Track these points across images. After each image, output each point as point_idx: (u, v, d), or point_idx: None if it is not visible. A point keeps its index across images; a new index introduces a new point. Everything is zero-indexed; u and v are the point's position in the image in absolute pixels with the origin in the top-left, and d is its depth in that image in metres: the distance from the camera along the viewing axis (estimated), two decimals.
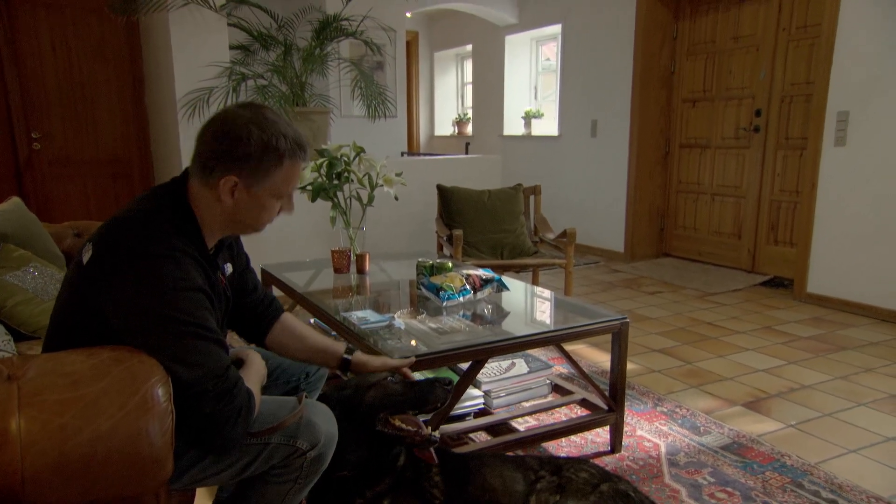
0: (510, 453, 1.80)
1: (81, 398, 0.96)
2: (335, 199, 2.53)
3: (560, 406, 2.23)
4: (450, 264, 2.27)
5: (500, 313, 2.13)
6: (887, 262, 3.41)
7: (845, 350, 2.97)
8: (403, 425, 1.35)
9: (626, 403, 2.08)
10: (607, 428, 2.04)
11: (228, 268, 1.37)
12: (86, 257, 1.11)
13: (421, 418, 1.41)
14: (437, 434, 1.38)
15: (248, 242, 3.88)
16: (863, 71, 3.43)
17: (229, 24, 3.74)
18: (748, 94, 4.39)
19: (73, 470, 0.94)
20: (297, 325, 1.52)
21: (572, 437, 2.09)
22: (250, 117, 1.16)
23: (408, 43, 7.30)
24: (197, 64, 3.50)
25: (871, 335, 3.18)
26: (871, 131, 3.43)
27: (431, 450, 1.40)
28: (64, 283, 1.19)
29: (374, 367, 1.46)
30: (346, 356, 1.46)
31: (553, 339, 1.90)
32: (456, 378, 2.15)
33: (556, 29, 5.64)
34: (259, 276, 2.69)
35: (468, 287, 2.12)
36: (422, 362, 1.63)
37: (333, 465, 1.30)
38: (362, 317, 1.91)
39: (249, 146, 1.14)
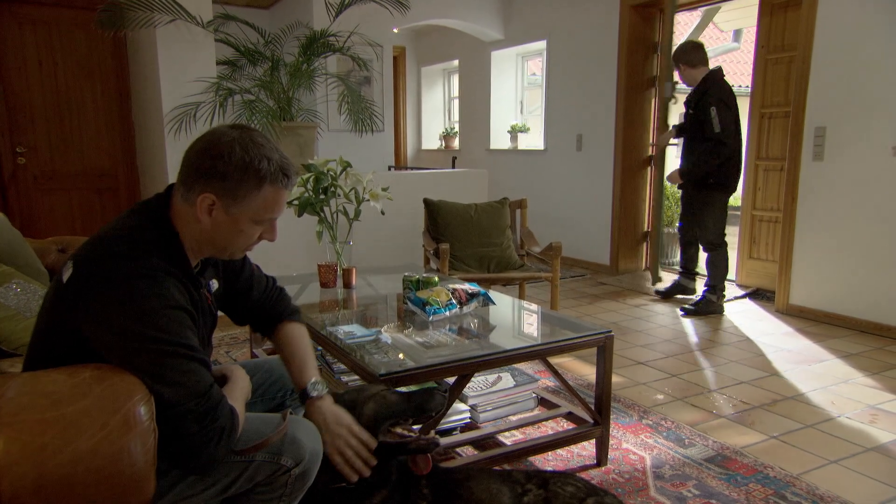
0: (497, 467, 1.80)
1: (62, 418, 0.95)
2: (322, 214, 2.54)
3: (546, 420, 2.24)
4: (436, 278, 2.28)
5: (487, 327, 2.14)
6: (865, 275, 3.48)
7: (826, 361, 3.01)
8: (406, 432, 1.37)
9: (611, 416, 2.09)
10: (593, 441, 2.05)
11: (214, 284, 1.36)
12: (66, 276, 1.10)
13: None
14: (438, 437, 1.39)
15: None
16: (839, 88, 3.51)
17: (216, 40, 3.75)
18: None
19: (53, 491, 0.93)
20: (293, 340, 1.45)
21: (558, 451, 2.09)
22: (236, 137, 1.15)
23: (395, 58, 7.36)
24: (184, 79, 3.51)
25: (851, 346, 3.23)
26: (847, 147, 3.51)
27: (429, 455, 1.40)
28: (44, 301, 1.18)
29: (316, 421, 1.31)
30: (306, 392, 1.34)
31: (539, 353, 1.91)
32: None
33: (542, 45, 5.73)
34: None
35: (454, 301, 2.13)
36: (409, 377, 1.64)
37: (332, 477, 1.30)
38: (349, 331, 1.91)
39: (229, 165, 1.13)
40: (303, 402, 1.36)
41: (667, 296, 4.24)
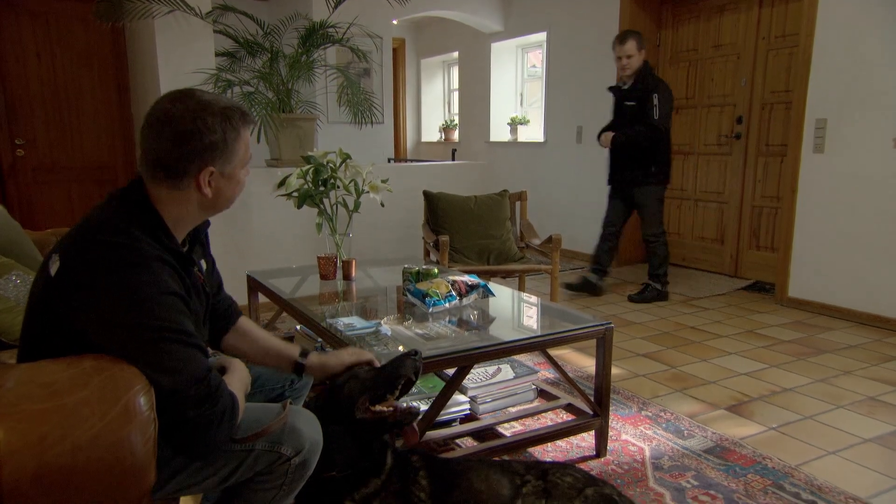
0: (496, 458, 1.81)
1: (62, 408, 0.95)
2: (321, 206, 2.54)
3: (545, 411, 2.24)
4: (436, 270, 2.28)
5: (486, 319, 2.14)
6: (865, 267, 3.48)
7: (825, 353, 3.01)
8: (383, 409, 1.36)
9: (611, 408, 2.10)
10: (592, 432, 2.05)
11: (203, 264, 1.36)
12: (53, 269, 1.08)
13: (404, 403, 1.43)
14: (417, 404, 1.39)
15: (234, 249, 3.82)
16: (840, 80, 3.50)
17: (215, 31, 3.73)
18: (729, 102, 4.46)
19: (53, 481, 0.93)
20: (253, 327, 1.51)
21: (558, 442, 2.10)
22: (194, 107, 1.14)
23: (394, 50, 7.33)
24: (183, 71, 3.49)
25: (850, 338, 3.23)
26: (848, 139, 3.50)
27: (415, 426, 1.39)
28: (31, 295, 1.16)
29: (332, 366, 1.44)
30: (300, 360, 1.44)
31: (538, 345, 1.92)
32: (441, 383, 2.16)
33: (542, 37, 5.70)
34: (245, 283, 2.71)
35: (454, 293, 2.13)
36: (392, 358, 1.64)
37: (322, 465, 1.31)
38: (348, 323, 1.92)
39: (213, 133, 1.14)
40: (299, 373, 1.46)
41: (575, 289, 4.12)
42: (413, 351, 1.39)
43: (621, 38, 3.77)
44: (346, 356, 1.46)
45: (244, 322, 1.51)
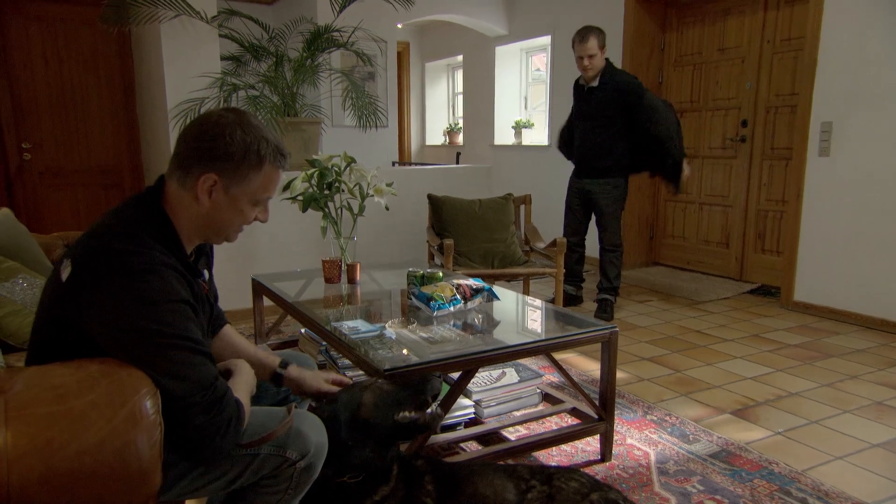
0: (501, 462, 1.80)
1: (69, 411, 0.96)
2: (326, 210, 2.54)
3: (550, 415, 2.24)
4: (440, 274, 2.28)
5: (491, 323, 2.14)
6: (871, 270, 3.46)
7: (831, 357, 3.00)
8: (409, 414, 1.40)
9: (615, 412, 2.09)
10: (597, 437, 2.05)
11: (206, 274, 1.37)
12: (64, 274, 1.09)
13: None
14: (441, 410, 1.44)
15: (240, 252, 3.83)
16: (845, 83, 3.49)
17: (220, 36, 3.75)
18: (734, 105, 4.46)
19: (60, 484, 0.93)
20: (236, 336, 1.54)
21: (563, 446, 2.09)
22: (234, 119, 1.18)
23: (399, 53, 7.35)
24: (188, 74, 3.51)
25: (857, 342, 3.21)
26: (854, 142, 3.49)
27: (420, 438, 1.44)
28: (42, 299, 1.17)
29: (309, 385, 1.47)
30: (279, 370, 1.47)
31: (543, 349, 1.91)
32: (446, 387, 2.16)
33: (546, 40, 5.70)
34: (249, 286, 2.71)
35: (459, 297, 2.13)
36: (413, 372, 1.64)
37: (336, 470, 1.32)
38: (353, 326, 1.92)
39: (231, 146, 1.16)
40: (277, 383, 1.48)
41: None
42: (438, 373, 1.44)
43: (582, 36, 3.30)
44: (325, 383, 1.49)
45: (228, 330, 1.53)
